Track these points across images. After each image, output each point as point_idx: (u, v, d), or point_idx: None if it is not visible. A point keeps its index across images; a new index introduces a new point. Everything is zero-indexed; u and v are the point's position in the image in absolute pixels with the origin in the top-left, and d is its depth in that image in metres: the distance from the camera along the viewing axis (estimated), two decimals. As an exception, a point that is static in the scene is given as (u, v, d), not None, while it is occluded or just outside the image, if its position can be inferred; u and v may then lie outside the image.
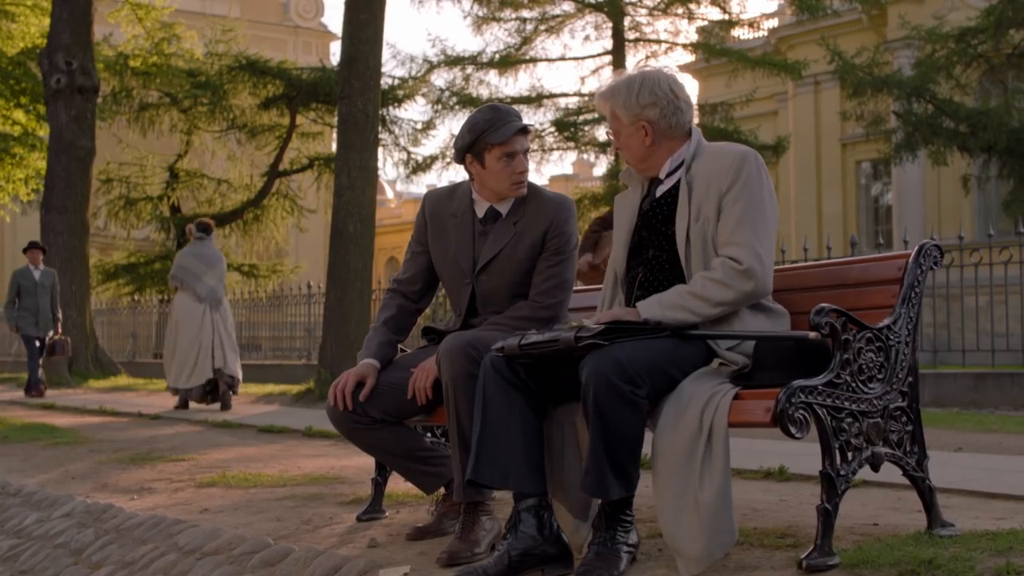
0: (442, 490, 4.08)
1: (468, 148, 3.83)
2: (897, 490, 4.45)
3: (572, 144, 24.93)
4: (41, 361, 14.96)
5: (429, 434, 4.49)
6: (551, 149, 25.03)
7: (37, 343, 14.77)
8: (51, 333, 14.87)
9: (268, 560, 3.77)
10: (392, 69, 25.08)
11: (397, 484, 4.55)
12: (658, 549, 3.40)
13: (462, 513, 3.65)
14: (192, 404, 11.19)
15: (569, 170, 46.25)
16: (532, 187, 3.95)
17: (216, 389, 11.06)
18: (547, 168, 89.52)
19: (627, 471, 3.12)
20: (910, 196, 30.21)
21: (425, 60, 24.85)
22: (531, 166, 3.95)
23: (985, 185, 23.73)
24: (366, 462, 5.16)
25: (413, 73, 24.74)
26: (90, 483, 5.94)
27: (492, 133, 3.77)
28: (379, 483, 4.41)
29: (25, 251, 15.20)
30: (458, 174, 31.21)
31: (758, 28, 30.79)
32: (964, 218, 27.97)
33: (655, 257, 3.47)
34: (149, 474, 6.17)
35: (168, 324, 11.48)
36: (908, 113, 19.39)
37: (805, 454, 5.37)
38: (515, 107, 4.19)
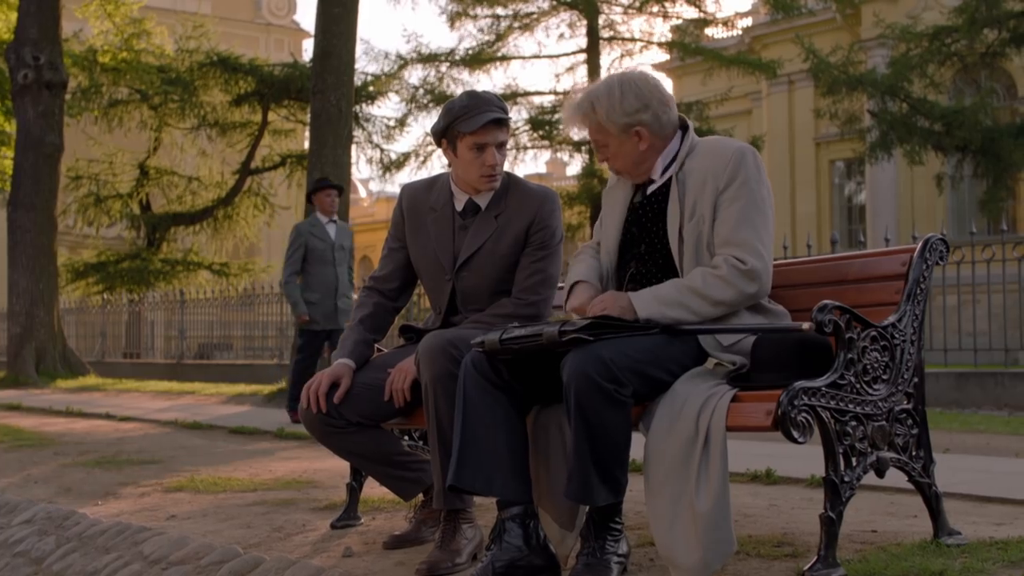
0: (421, 496, 3.91)
1: (442, 133, 3.67)
2: (890, 494, 4.34)
3: (547, 143, 24.84)
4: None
5: (407, 437, 4.32)
6: (525, 148, 24.93)
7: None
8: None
9: (237, 570, 3.59)
10: (365, 66, 24.86)
11: (373, 489, 4.39)
12: (649, 559, 3.25)
13: (442, 521, 3.48)
14: None
15: (543, 169, 46.23)
16: (514, 179, 3.79)
17: None
18: (521, 167, 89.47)
19: (614, 476, 2.96)
20: (884, 196, 30.24)
21: (399, 57, 24.68)
22: (505, 165, 3.76)
23: (959, 185, 23.76)
24: (340, 465, 4.99)
25: (386, 70, 24.57)
26: (53, 487, 5.74)
27: (464, 121, 3.59)
28: (354, 488, 4.24)
29: (313, 193, 9.68)
30: (431, 173, 31.05)
31: (732, 27, 30.76)
32: (937, 218, 28.01)
33: (647, 252, 3.32)
34: (115, 478, 5.98)
35: None
36: (883, 112, 19.36)
37: (790, 455, 5.28)
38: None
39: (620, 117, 3.27)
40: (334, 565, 3.47)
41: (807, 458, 4.41)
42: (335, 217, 9.58)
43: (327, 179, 9.96)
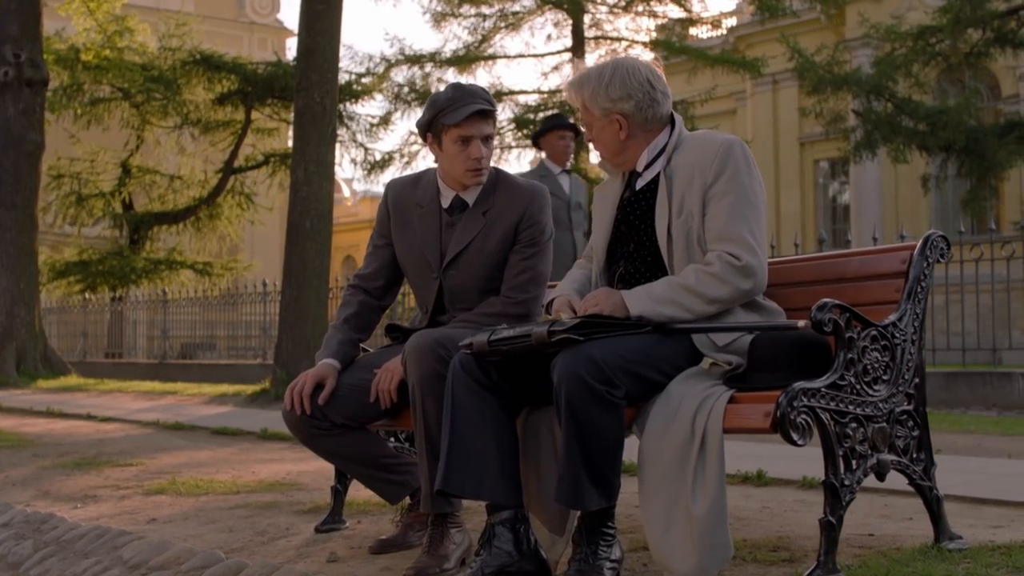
0: (407, 500, 3.82)
1: (427, 126, 3.60)
2: (883, 495, 4.27)
3: (531, 142, 24.68)
4: None
5: (393, 439, 4.24)
6: (510, 147, 24.82)
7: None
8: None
9: (219, 576, 3.50)
10: (347, 66, 24.66)
11: (358, 492, 4.30)
12: (643, 564, 3.17)
13: (430, 525, 3.40)
14: None
15: (527, 168, 46.13)
16: (502, 174, 3.72)
17: None
18: (505, 166, 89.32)
19: (607, 479, 2.88)
20: (868, 195, 30.30)
21: (383, 59, 24.51)
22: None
23: (943, 184, 23.77)
24: (325, 467, 4.89)
25: (371, 69, 24.39)
26: (31, 490, 5.64)
27: (449, 113, 3.52)
28: (339, 491, 4.15)
29: (540, 135, 7.79)
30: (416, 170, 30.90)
31: (718, 27, 30.72)
32: (922, 217, 28.07)
33: (636, 251, 3.24)
34: (94, 480, 5.87)
35: None
36: (867, 111, 19.34)
37: (780, 456, 5.21)
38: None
39: (603, 102, 3.23)
40: (319, 570, 3.38)
41: (798, 459, 4.34)
42: (569, 166, 7.59)
43: (562, 116, 7.72)
